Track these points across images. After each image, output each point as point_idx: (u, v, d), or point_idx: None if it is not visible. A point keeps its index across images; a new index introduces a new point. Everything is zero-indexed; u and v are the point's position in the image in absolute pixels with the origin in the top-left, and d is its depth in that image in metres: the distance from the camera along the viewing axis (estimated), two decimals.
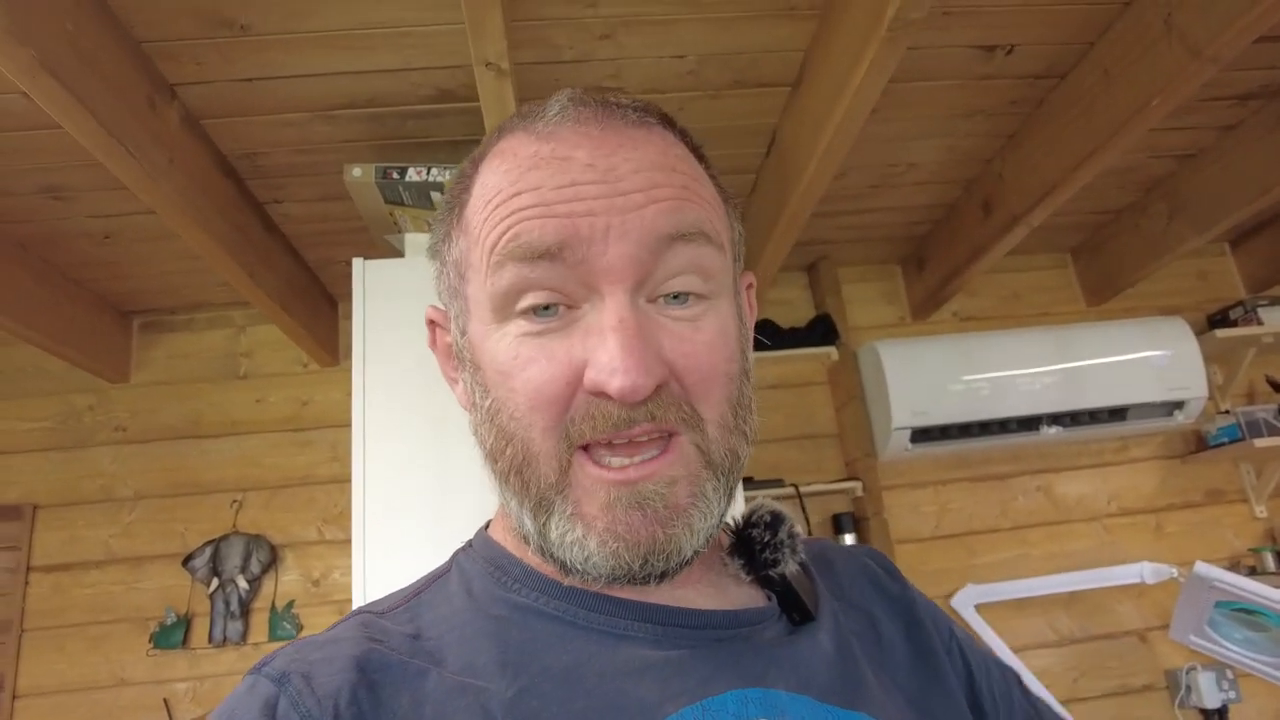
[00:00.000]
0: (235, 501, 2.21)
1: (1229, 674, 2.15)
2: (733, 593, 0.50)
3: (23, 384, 2.28)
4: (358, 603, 1.32)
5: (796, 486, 2.22)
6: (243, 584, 2.10)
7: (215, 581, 2.10)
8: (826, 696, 0.45)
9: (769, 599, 0.51)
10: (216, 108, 1.54)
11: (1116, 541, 2.37)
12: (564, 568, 0.44)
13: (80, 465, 2.23)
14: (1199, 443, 2.43)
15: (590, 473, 0.42)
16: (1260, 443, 2.23)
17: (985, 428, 2.19)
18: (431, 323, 0.54)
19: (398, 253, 1.78)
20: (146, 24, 1.32)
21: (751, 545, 0.51)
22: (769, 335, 2.36)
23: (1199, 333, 2.29)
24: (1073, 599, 2.28)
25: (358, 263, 1.54)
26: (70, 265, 2.04)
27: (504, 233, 0.43)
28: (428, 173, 1.61)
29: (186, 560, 2.12)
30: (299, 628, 2.13)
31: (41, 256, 1.97)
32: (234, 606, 2.09)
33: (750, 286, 0.55)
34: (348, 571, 1.34)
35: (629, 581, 0.43)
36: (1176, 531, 2.40)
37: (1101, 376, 2.18)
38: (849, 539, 2.22)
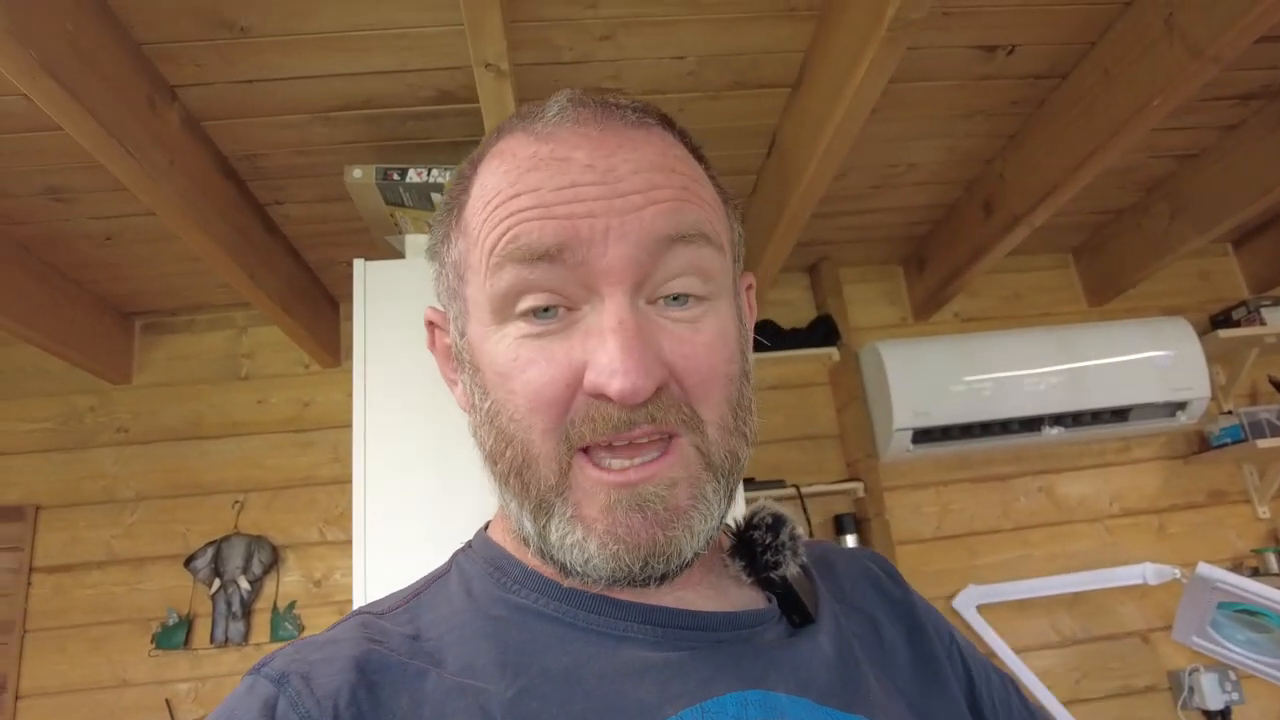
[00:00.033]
0: (237, 502, 2.21)
1: (1232, 675, 2.15)
2: (733, 594, 0.50)
3: (24, 385, 2.29)
4: (359, 604, 1.32)
5: (798, 487, 2.22)
6: (244, 585, 2.10)
7: (217, 582, 2.10)
8: (826, 699, 0.44)
9: (769, 601, 0.50)
10: (217, 109, 1.54)
11: (1119, 542, 2.37)
12: (564, 570, 0.44)
13: (82, 466, 2.24)
14: (1201, 443, 2.43)
15: (590, 475, 0.42)
16: (1263, 443, 2.22)
17: (987, 428, 2.18)
18: (430, 324, 0.54)
19: (398, 254, 1.79)
20: (146, 25, 1.32)
21: (753, 547, 0.51)
22: (770, 336, 2.36)
23: (1201, 333, 2.28)
24: (1075, 600, 2.28)
25: (358, 264, 1.55)
26: (71, 266, 2.04)
27: (503, 234, 0.43)
28: (428, 174, 1.61)
29: (188, 561, 2.12)
30: (300, 628, 2.13)
31: (43, 258, 1.98)
32: (236, 607, 2.09)
33: (750, 287, 0.54)
34: (349, 572, 1.34)
35: (629, 584, 0.43)
36: (1179, 532, 2.39)
37: (1103, 377, 2.17)
38: (850, 540, 2.22)
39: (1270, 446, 2.22)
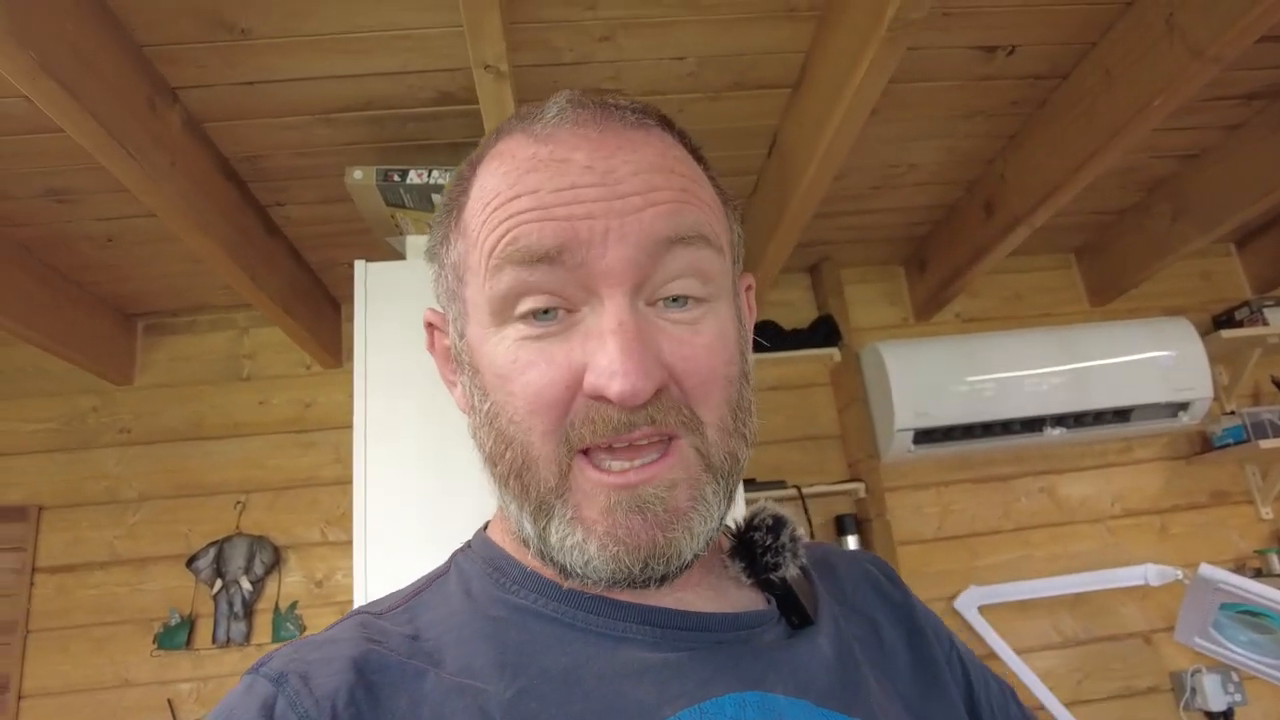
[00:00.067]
0: (239, 503, 2.22)
1: (1234, 676, 2.14)
2: (732, 595, 0.50)
3: (27, 385, 2.29)
4: (360, 604, 1.32)
5: (799, 488, 2.22)
6: (246, 585, 2.11)
7: (219, 582, 2.11)
8: (825, 701, 0.44)
9: (769, 602, 0.50)
10: (217, 111, 1.54)
11: (1120, 543, 2.36)
12: (564, 571, 0.44)
13: (85, 467, 2.24)
14: (1204, 444, 2.42)
15: (590, 477, 0.42)
16: (1266, 444, 2.22)
17: (988, 429, 2.18)
18: (429, 325, 0.54)
19: (399, 255, 1.79)
20: (147, 27, 1.33)
21: (753, 548, 0.51)
22: (771, 336, 2.35)
23: (1204, 333, 2.28)
24: (1077, 601, 2.27)
25: (359, 265, 1.55)
26: (73, 268, 2.05)
27: (502, 236, 0.43)
28: (429, 175, 1.61)
29: (190, 561, 2.12)
30: (302, 629, 2.13)
31: (45, 259, 1.98)
32: (238, 607, 2.09)
33: (749, 288, 0.54)
34: (351, 573, 1.34)
35: (629, 585, 0.43)
36: (1181, 533, 2.39)
37: (1105, 377, 2.17)
38: (851, 540, 2.22)
39: (1273, 447, 2.22)
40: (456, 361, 0.50)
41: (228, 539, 2.15)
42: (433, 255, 0.51)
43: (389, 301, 1.53)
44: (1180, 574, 1.92)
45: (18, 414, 2.28)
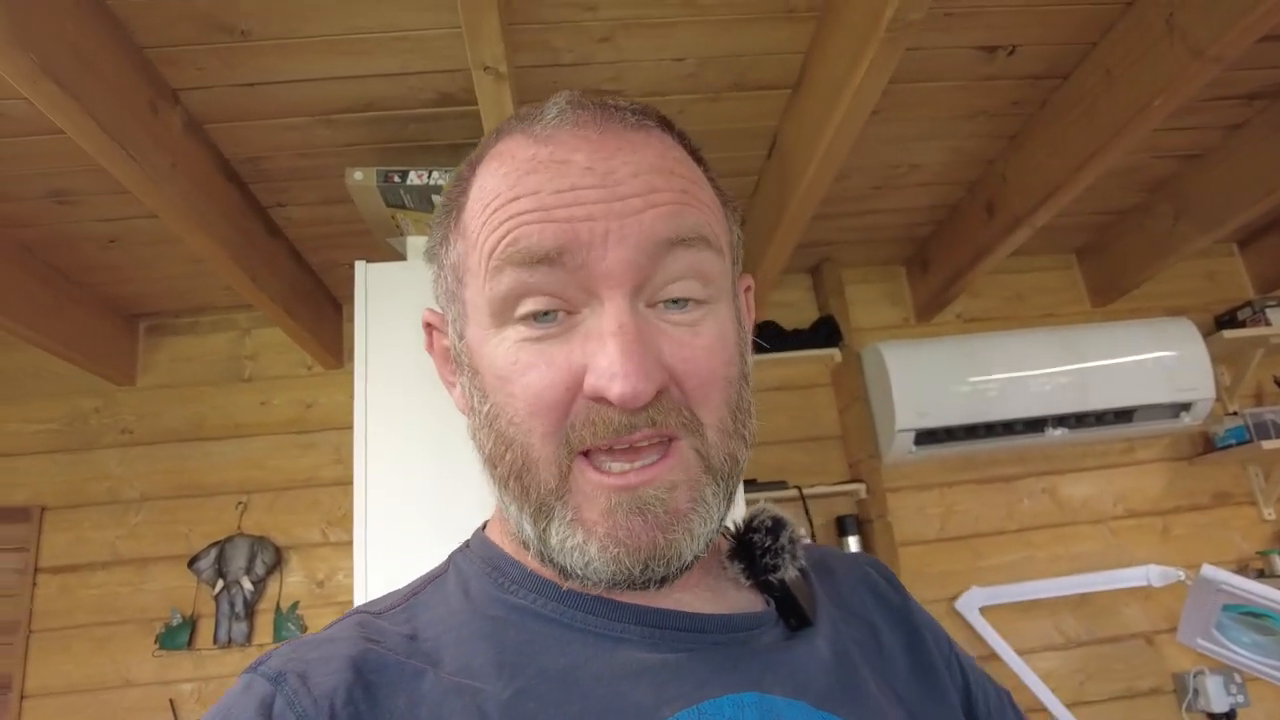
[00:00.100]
0: (240, 503, 2.22)
1: (1237, 678, 2.13)
2: (731, 597, 0.50)
3: (29, 387, 2.30)
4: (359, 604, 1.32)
5: (800, 489, 2.21)
6: (247, 585, 2.11)
7: (220, 583, 2.11)
8: (823, 702, 0.44)
9: (767, 604, 0.50)
10: (218, 112, 1.55)
11: (1123, 544, 2.36)
12: (564, 573, 0.44)
13: (87, 467, 2.25)
14: (1206, 444, 2.41)
15: (590, 478, 0.42)
16: (1268, 444, 2.21)
17: (990, 429, 2.17)
18: (428, 326, 0.54)
19: (400, 256, 1.79)
20: (147, 29, 1.33)
21: (752, 550, 0.51)
22: (773, 337, 2.35)
23: (1206, 334, 2.27)
24: (1079, 601, 2.27)
25: (360, 266, 1.55)
26: (76, 269, 2.05)
27: (502, 237, 0.43)
28: (429, 176, 1.61)
29: (192, 562, 2.13)
30: (303, 629, 2.13)
31: (47, 260, 1.99)
32: (239, 608, 2.10)
33: (748, 290, 0.54)
34: (352, 573, 1.34)
35: (629, 586, 0.43)
36: (1183, 534, 2.38)
37: (1107, 378, 2.16)
38: (853, 541, 2.22)
39: (1275, 448, 2.21)
40: (456, 362, 0.50)
41: (229, 539, 2.16)
42: (432, 256, 0.51)
43: (390, 302, 1.53)
44: (1183, 575, 1.91)
45: (20, 415, 2.28)
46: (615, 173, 0.43)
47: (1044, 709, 2.01)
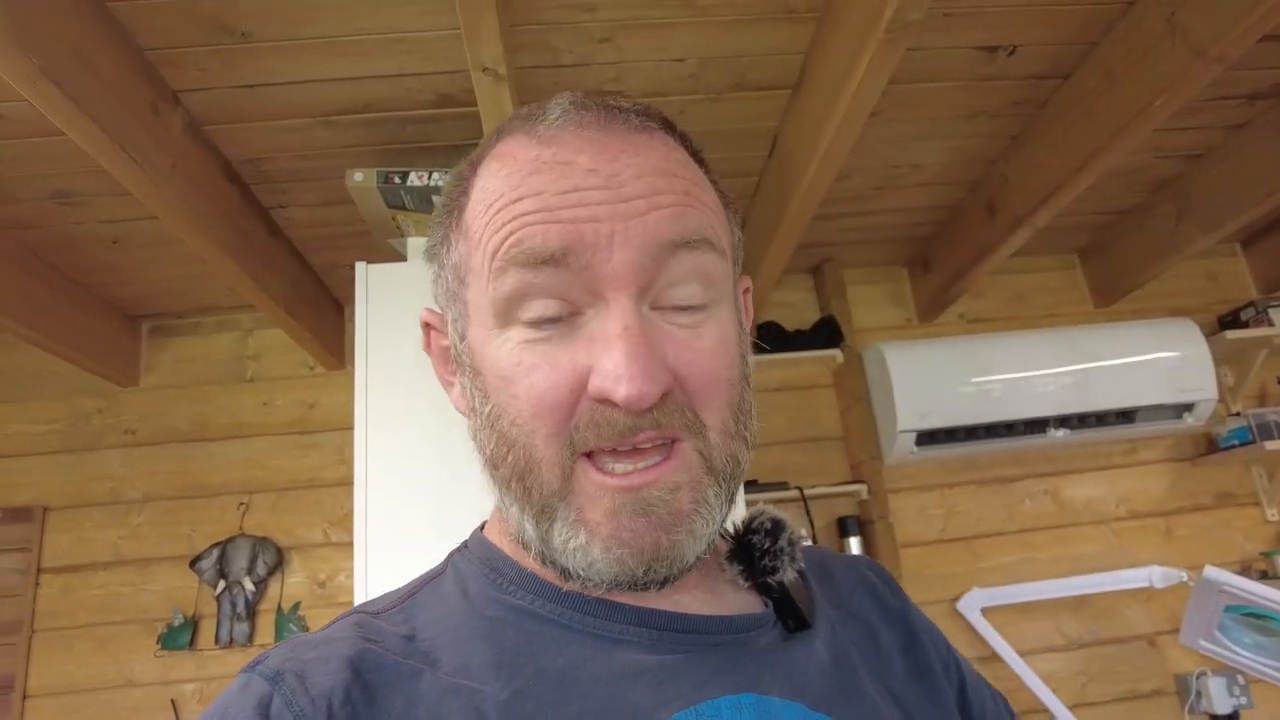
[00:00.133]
0: (242, 504, 2.23)
1: (1240, 679, 2.12)
2: (729, 598, 0.50)
3: (33, 387, 2.31)
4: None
5: (801, 489, 2.21)
6: (249, 586, 2.11)
7: (222, 583, 2.12)
8: (820, 704, 0.44)
9: (766, 605, 0.50)
10: (218, 114, 1.55)
11: (1125, 545, 2.35)
12: (566, 574, 0.44)
13: (89, 468, 2.25)
14: (1209, 445, 2.41)
15: (594, 479, 0.42)
16: (1271, 445, 2.20)
17: (992, 430, 2.17)
18: (426, 325, 0.53)
19: (400, 257, 1.79)
20: (148, 31, 1.33)
21: (751, 551, 0.51)
22: (774, 338, 2.35)
23: (1209, 334, 2.27)
24: (1081, 603, 2.26)
25: (360, 267, 1.56)
26: (79, 270, 2.06)
27: (506, 238, 0.43)
28: (429, 177, 1.62)
29: (194, 562, 2.13)
30: (305, 629, 2.13)
31: (50, 262, 1.99)
32: (240, 608, 2.10)
33: (747, 291, 0.54)
34: (354, 574, 1.34)
35: (631, 588, 0.43)
36: (1186, 535, 2.37)
37: (1110, 378, 2.16)
38: (854, 542, 2.21)
39: (1278, 448, 2.20)
40: (456, 362, 0.49)
41: (231, 540, 2.16)
42: (432, 255, 0.51)
43: (390, 303, 1.53)
44: (1185, 576, 1.91)
45: (24, 416, 2.29)
46: (619, 174, 0.43)
47: (1046, 710, 2.01)
